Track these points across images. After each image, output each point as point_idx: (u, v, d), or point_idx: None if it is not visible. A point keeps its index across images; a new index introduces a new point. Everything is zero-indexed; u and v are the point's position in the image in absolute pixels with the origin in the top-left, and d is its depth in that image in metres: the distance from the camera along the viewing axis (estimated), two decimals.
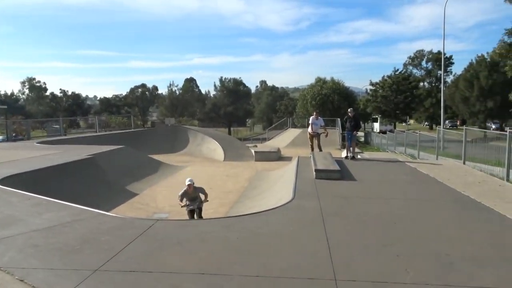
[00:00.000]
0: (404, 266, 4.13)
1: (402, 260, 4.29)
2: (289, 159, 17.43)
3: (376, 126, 63.28)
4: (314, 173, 9.56)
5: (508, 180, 9.24)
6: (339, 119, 30.16)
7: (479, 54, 54.23)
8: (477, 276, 3.92)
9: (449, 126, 61.05)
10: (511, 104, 29.56)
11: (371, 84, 61.73)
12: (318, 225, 5.59)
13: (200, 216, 7.77)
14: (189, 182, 7.83)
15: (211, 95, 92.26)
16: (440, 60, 38.14)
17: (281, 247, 4.72)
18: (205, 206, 9.14)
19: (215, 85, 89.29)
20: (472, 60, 55.44)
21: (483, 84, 50.21)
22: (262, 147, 25.26)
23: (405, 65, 73.87)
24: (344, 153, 14.32)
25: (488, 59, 49.34)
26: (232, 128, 74.82)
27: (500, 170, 10.07)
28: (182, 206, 7.75)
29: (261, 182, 11.68)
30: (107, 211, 7.07)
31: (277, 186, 10.15)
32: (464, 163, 12.19)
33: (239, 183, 11.82)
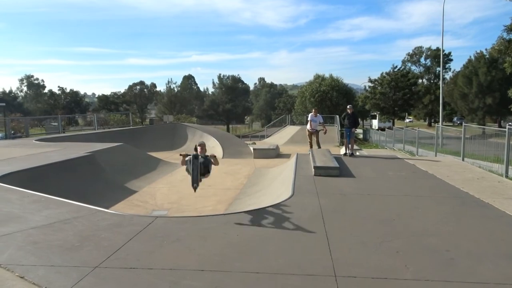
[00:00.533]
0: (404, 262, 4.13)
1: (401, 256, 4.30)
2: (288, 156, 17.44)
3: (375, 123, 63.33)
4: (313, 170, 9.57)
5: (507, 176, 9.27)
6: (337, 116, 30.17)
7: (478, 51, 54.28)
8: (476, 272, 3.94)
9: (458, 123, 61.06)
10: (510, 100, 29.54)
11: (370, 81, 61.78)
12: (318, 221, 5.59)
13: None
14: (201, 142, 6.70)
15: (210, 92, 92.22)
16: (439, 57, 38.28)
17: (280, 243, 4.72)
18: (203, 203, 9.16)
19: (213, 82, 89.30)
20: (470, 56, 55.52)
21: (482, 80, 50.28)
22: (261, 144, 25.26)
23: (403, 62, 73.76)
24: (342, 150, 14.31)
25: (487, 56, 49.36)
26: (230, 126, 74.78)
27: (499, 167, 10.10)
28: (181, 154, 6.64)
29: (260, 179, 11.67)
30: (106, 208, 7.06)
31: (276, 183, 10.15)
32: (463, 159, 12.21)
33: (238, 180, 11.81)
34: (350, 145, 13.52)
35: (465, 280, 3.76)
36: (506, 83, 42.15)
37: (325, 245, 4.61)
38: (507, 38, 24.89)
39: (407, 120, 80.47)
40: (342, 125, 14.50)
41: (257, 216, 5.94)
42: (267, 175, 12.24)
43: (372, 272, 3.89)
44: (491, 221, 5.75)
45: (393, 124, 53.25)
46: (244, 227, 5.36)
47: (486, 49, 49.63)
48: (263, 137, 35.56)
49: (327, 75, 50.79)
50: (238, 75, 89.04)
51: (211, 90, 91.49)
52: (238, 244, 4.70)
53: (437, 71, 68.21)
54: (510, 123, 10.40)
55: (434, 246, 4.62)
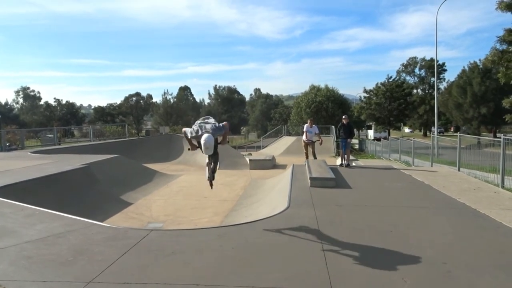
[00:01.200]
0: (400, 275, 4.10)
1: (398, 269, 4.27)
2: (283, 167, 17.42)
3: (371, 133, 63.59)
4: (309, 181, 9.55)
5: (503, 186, 9.28)
6: (333, 126, 30.29)
7: (472, 61, 54.99)
8: (474, 285, 3.91)
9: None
10: (505, 110, 29.75)
11: (365, 91, 62.23)
12: (314, 233, 5.56)
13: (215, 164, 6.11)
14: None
15: (206, 103, 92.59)
16: (433, 67, 38.66)
17: (276, 256, 4.68)
18: (199, 215, 9.10)
19: (209, 93, 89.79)
20: (464, 67, 56.18)
21: (476, 90, 50.80)
22: (257, 155, 25.22)
23: (398, 72, 74.58)
24: (338, 161, 14.32)
25: (481, 66, 49.89)
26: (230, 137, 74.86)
27: (495, 177, 10.12)
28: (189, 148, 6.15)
29: (256, 191, 11.63)
30: (101, 221, 7.00)
31: (272, 194, 10.12)
32: (458, 169, 12.23)
33: (234, 191, 11.76)
34: (346, 156, 13.53)
35: None
36: (500, 93, 42.54)
37: (322, 258, 4.57)
38: (500, 48, 25.24)
39: (408, 130, 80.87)
40: (337, 136, 14.54)
41: (253, 228, 5.90)
42: (263, 186, 12.20)
43: (369, 285, 3.86)
44: (488, 232, 5.73)
45: (389, 134, 53.45)
46: (240, 240, 5.32)
47: (479, 60, 50.24)
48: (259, 147, 35.55)
49: (322, 85, 51.26)
50: (234, 86, 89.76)
51: (207, 101, 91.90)
52: (234, 257, 4.66)
53: (432, 81, 68.86)
54: (505, 134, 10.47)
55: (431, 258, 4.60)
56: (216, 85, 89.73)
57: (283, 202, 7.81)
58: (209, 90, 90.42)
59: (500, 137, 10.32)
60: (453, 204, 7.54)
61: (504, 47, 25.10)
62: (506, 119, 27.58)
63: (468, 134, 41.00)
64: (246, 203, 10.14)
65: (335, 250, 4.86)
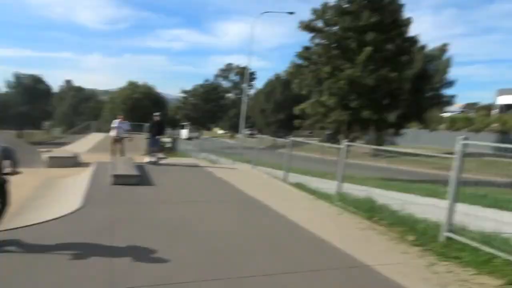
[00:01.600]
0: (184, 266, 4.26)
1: (183, 260, 4.43)
2: (88, 165, 16.19)
3: (184, 132, 65.15)
4: (112, 178, 9.12)
5: (285, 181, 10.70)
6: (147, 124, 29.81)
7: (276, 72, 62.11)
8: (249, 267, 4.36)
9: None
10: (296, 116, 34.76)
11: (183, 91, 63.48)
12: (104, 233, 5.29)
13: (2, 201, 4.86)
14: None
15: (2, 92, 79.16)
16: (246, 74, 42.22)
17: (55, 262, 4.26)
18: None
19: (7, 81, 77.11)
20: (271, 77, 63.13)
21: (278, 98, 57.73)
22: (59, 152, 22.74)
23: (216, 76, 78.72)
24: (148, 158, 14.13)
25: (283, 77, 56.95)
26: (24, 131, 65.32)
27: (281, 173, 11.60)
28: None
29: (49, 191, 10.40)
30: None
31: (68, 193, 9.24)
32: (254, 167, 13.57)
33: (21, 192, 10.24)
34: (155, 153, 13.46)
35: (237, 275, 4.11)
36: (295, 101, 49.20)
37: (108, 257, 4.38)
38: (297, 63, 29.42)
39: (221, 131, 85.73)
40: (150, 133, 14.31)
41: (37, 232, 5.25)
42: (60, 185, 11.03)
43: (151, 280, 3.88)
44: (266, 221, 6.51)
45: (201, 134, 55.78)
46: (13, 246, 4.64)
47: (283, 71, 57.22)
48: (63, 144, 32.20)
49: (142, 82, 49.99)
50: (41, 74, 79.17)
51: (4, 89, 78.85)
52: (4, 265, 4.03)
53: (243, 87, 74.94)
54: (288, 137, 12.11)
55: (215, 247, 4.93)
56: (17, 72, 77.59)
57: (77, 201, 7.22)
58: (7, 78, 77.59)
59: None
60: (243, 198, 8.32)
61: (301, 61, 29.28)
62: (295, 124, 32.13)
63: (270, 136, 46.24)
64: (35, 205, 8.97)
65: (124, 249, 4.71)
